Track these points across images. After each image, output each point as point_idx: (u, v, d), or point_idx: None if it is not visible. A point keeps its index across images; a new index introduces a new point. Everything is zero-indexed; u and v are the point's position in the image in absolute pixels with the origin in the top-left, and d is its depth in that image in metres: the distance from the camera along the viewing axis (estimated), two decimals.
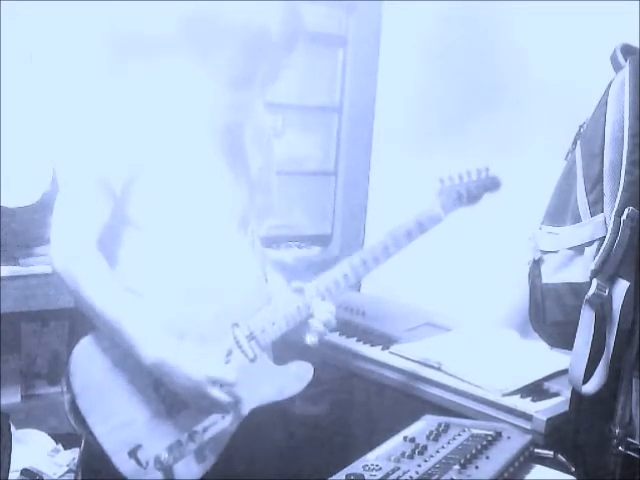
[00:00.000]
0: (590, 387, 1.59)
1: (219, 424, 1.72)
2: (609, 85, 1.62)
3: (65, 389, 1.71)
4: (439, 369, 2.09)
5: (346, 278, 1.82)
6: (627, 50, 1.65)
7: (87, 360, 1.68)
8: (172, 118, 1.71)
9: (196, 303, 1.73)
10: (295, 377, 1.82)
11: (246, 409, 1.76)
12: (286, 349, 1.87)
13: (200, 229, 1.74)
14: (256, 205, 1.89)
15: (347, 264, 1.83)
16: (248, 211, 1.85)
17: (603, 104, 1.61)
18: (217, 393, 1.66)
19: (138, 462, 1.66)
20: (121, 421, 1.67)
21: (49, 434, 2.40)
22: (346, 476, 1.38)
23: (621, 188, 1.54)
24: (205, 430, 1.71)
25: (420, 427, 1.66)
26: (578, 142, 1.68)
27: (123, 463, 1.66)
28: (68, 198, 1.69)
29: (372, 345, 2.29)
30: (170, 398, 1.70)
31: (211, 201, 1.76)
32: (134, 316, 1.66)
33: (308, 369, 1.82)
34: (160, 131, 1.69)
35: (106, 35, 2.31)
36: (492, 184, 1.92)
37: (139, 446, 1.66)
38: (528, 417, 1.87)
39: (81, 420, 1.67)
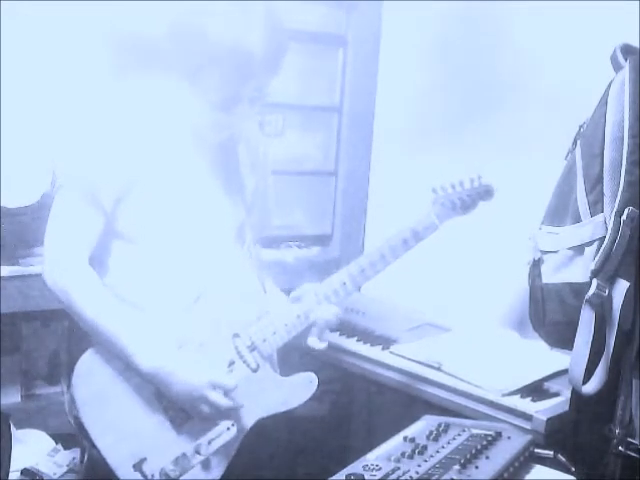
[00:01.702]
0: (590, 387, 1.59)
1: (224, 436, 1.72)
2: (609, 85, 1.62)
3: (65, 389, 1.71)
4: (439, 369, 2.09)
5: (344, 286, 1.82)
6: (627, 50, 1.65)
7: (90, 373, 1.69)
8: (162, 135, 1.72)
9: (194, 313, 1.74)
10: (299, 388, 1.81)
11: (251, 420, 1.76)
12: (286, 353, 1.87)
13: (195, 243, 1.75)
14: (253, 221, 1.90)
15: (345, 273, 1.83)
16: (245, 224, 1.85)
17: (603, 104, 1.61)
18: (216, 397, 1.67)
19: (143, 475, 1.66)
20: (125, 434, 1.67)
21: (49, 434, 2.40)
22: (346, 476, 1.38)
23: (621, 188, 1.54)
24: (210, 442, 1.71)
25: (420, 427, 1.66)
26: (578, 142, 1.68)
27: (128, 476, 1.66)
28: (60, 214, 1.70)
29: (372, 345, 2.29)
30: (174, 410, 1.70)
31: (205, 215, 1.77)
32: (128, 326, 1.67)
33: (312, 380, 1.81)
34: (151, 147, 1.70)
35: (106, 40, 2.31)
36: (486, 193, 1.90)
37: (144, 459, 1.67)
38: (528, 417, 1.87)
39: (85, 433, 1.67)
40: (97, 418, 1.67)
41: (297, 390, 1.81)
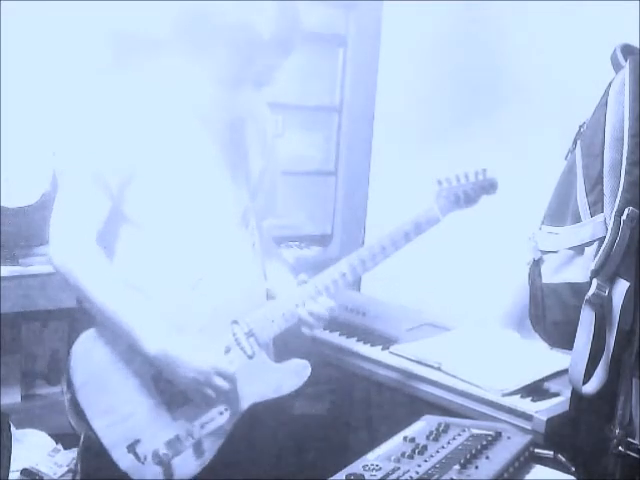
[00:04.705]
0: (590, 387, 1.59)
1: (217, 420, 1.73)
2: (609, 85, 1.62)
3: (65, 387, 1.72)
4: (439, 369, 2.09)
5: (344, 277, 1.83)
6: (627, 50, 1.65)
7: (87, 355, 1.70)
8: (168, 116, 1.72)
9: (195, 298, 1.74)
10: (293, 374, 1.83)
11: (244, 405, 1.78)
12: (286, 350, 1.88)
13: (199, 226, 1.75)
14: (258, 205, 1.90)
15: (345, 263, 1.84)
16: (249, 209, 1.86)
17: (603, 104, 1.61)
18: (220, 382, 1.68)
19: (137, 457, 1.68)
20: (120, 416, 1.69)
21: (49, 434, 2.40)
22: (346, 476, 1.38)
23: (621, 188, 1.54)
24: (203, 426, 1.72)
25: (420, 427, 1.66)
26: (578, 142, 1.68)
27: (122, 458, 1.67)
28: (67, 195, 1.70)
29: (372, 345, 2.29)
30: (170, 393, 1.71)
31: (210, 199, 1.77)
32: (135, 309, 1.68)
33: (305, 366, 1.84)
34: (156, 129, 1.70)
35: (105, 34, 2.31)
36: (489, 186, 1.91)
37: (138, 441, 1.68)
38: (528, 417, 1.87)
39: (81, 414, 1.68)
40: (94, 399, 1.68)
41: (290, 377, 1.83)
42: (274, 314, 1.80)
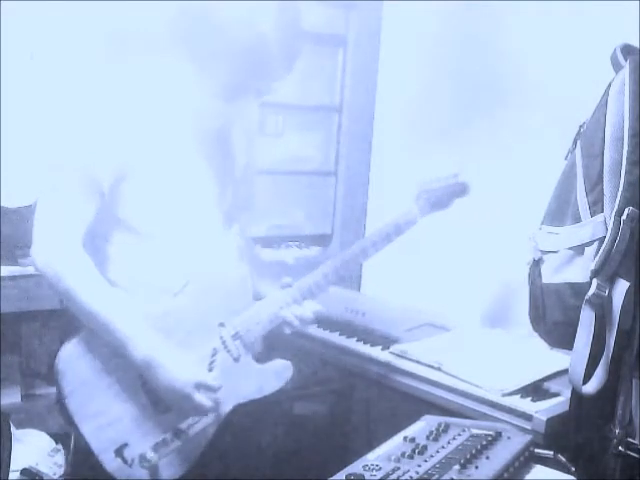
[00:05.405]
0: (590, 387, 1.59)
1: (202, 422, 1.75)
2: (609, 85, 1.62)
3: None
4: (439, 369, 2.09)
5: (326, 278, 1.86)
6: (627, 50, 1.65)
7: (74, 361, 1.70)
8: (161, 119, 1.71)
9: (181, 301, 1.74)
10: (274, 375, 1.85)
11: (227, 407, 1.78)
12: (286, 349, 1.88)
13: (185, 229, 1.75)
14: (239, 199, 1.90)
15: (328, 266, 1.87)
16: (232, 209, 1.86)
17: (603, 104, 1.60)
18: (200, 398, 1.68)
19: (124, 461, 1.69)
20: (108, 420, 1.69)
21: (49, 434, 2.40)
22: (346, 476, 1.38)
23: (621, 188, 1.54)
24: (189, 428, 1.73)
25: (420, 427, 1.66)
26: (578, 142, 1.68)
27: (110, 461, 1.68)
28: (52, 195, 1.68)
29: (372, 345, 2.29)
30: (156, 397, 1.71)
31: (198, 201, 1.77)
32: (122, 312, 1.67)
33: (287, 367, 1.85)
34: (148, 131, 1.69)
35: (102, 34, 2.31)
36: (461, 190, 1.96)
37: (125, 444, 1.69)
38: (528, 417, 1.87)
39: (69, 419, 1.68)
40: (82, 404, 1.69)
41: (272, 377, 1.84)
42: (259, 316, 1.82)
